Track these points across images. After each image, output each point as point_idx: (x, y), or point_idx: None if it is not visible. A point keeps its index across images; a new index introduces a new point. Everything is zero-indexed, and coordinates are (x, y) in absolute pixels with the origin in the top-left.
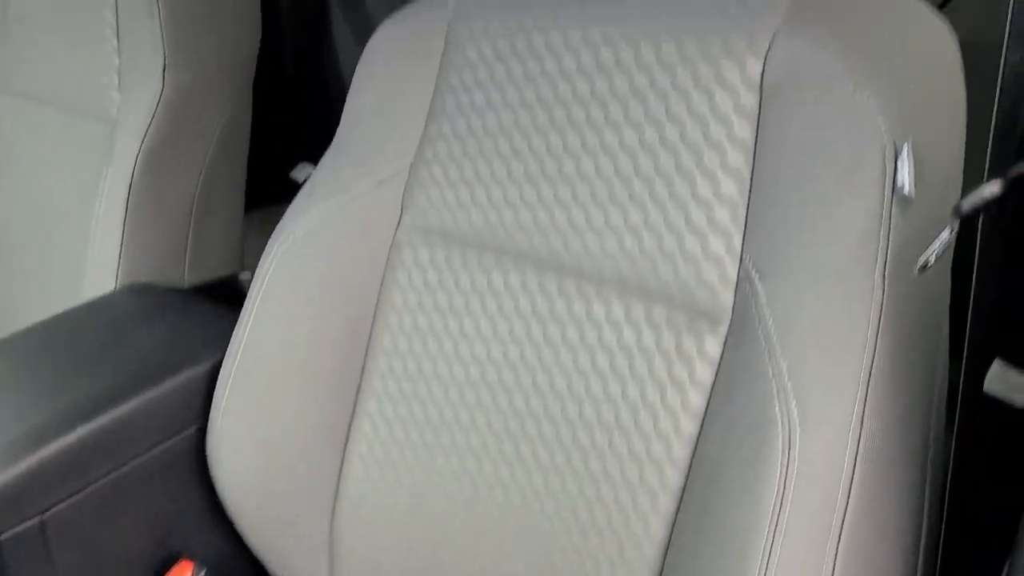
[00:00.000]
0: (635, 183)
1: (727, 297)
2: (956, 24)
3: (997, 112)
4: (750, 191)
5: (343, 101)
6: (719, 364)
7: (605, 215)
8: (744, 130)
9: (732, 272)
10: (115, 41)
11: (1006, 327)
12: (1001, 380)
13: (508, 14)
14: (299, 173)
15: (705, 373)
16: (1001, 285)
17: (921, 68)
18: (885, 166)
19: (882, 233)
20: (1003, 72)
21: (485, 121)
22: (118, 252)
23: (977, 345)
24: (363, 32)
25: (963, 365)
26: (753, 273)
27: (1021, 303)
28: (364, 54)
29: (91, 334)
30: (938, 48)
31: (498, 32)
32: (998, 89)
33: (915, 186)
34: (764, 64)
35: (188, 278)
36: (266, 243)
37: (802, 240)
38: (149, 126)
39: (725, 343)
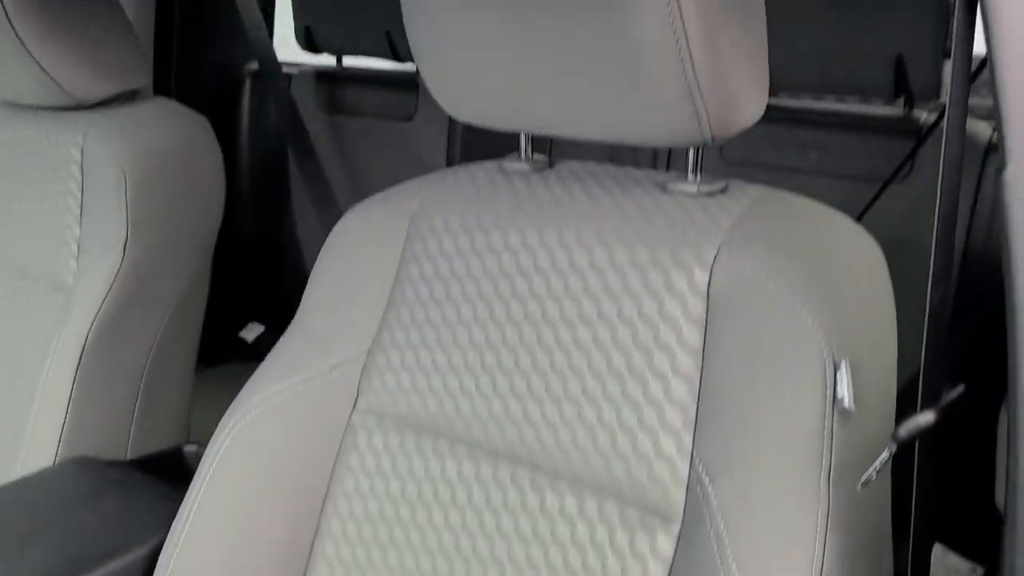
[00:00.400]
0: (588, 380)
1: (679, 496)
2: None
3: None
4: (699, 394)
5: (297, 265)
6: (672, 563)
7: (559, 409)
8: (693, 335)
9: (683, 472)
10: (78, 211)
11: (947, 512)
12: (942, 564)
13: (469, 211)
14: (248, 332)
15: (658, 572)
16: (943, 469)
17: (855, 286)
18: (826, 379)
19: (825, 443)
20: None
21: (444, 312)
22: (62, 422)
23: (921, 531)
24: (322, 200)
25: (910, 550)
26: (703, 474)
27: (960, 489)
28: (328, 239)
29: (28, 513)
30: (870, 266)
31: (458, 228)
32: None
33: (854, 400)
34: (711, 275)
35: (132, 449)
36: (212, 408)
37: (749, 445)
38: (106, 297)
39: (678, 542)
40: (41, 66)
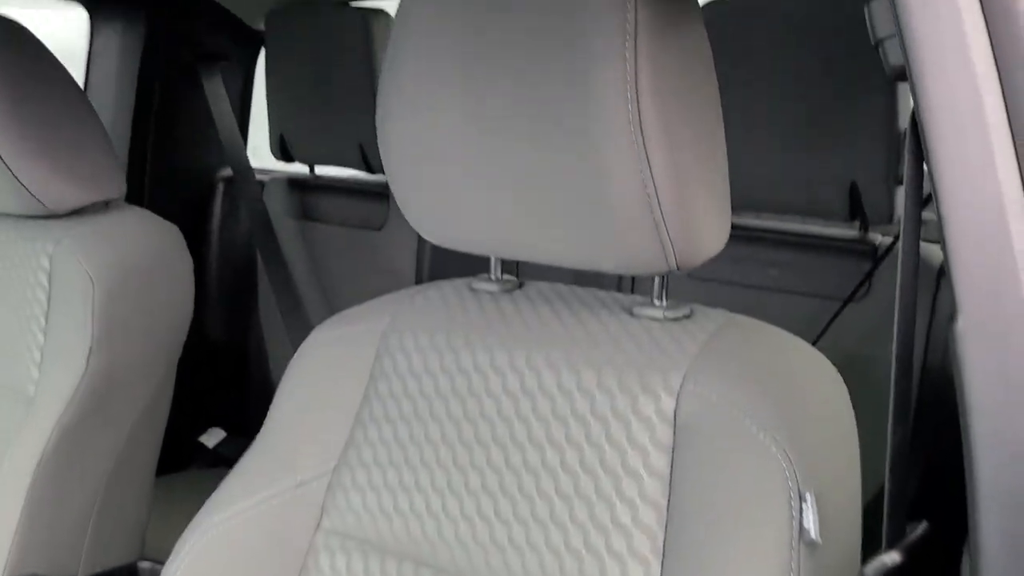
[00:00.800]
0: (556, 503)
1: None
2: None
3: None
4: (667, 521)
5: (262, 371)
6: None
7: (526, 533)
8: (660, 461)
9: None
10: (43, 320)
11: None
12: None
13: (438, 330)
14: (209, 438)
15: None
16: None
17: (819, 415)
18: (791, 511)
19: (792, 573)
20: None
21: (412, 431)
22: (11, 537)
23: None
24: (290, 308)
25: None
26: None
27: None
28: (296, 355)
29: None
30: (832, 394)
31: (428, 347)
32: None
33: (820, 531)
34: (677, 401)
35: (84, 565)
36: (168, 518)
37: (717, 573)
38: (65, 408)
39: None
40: (15, 176)
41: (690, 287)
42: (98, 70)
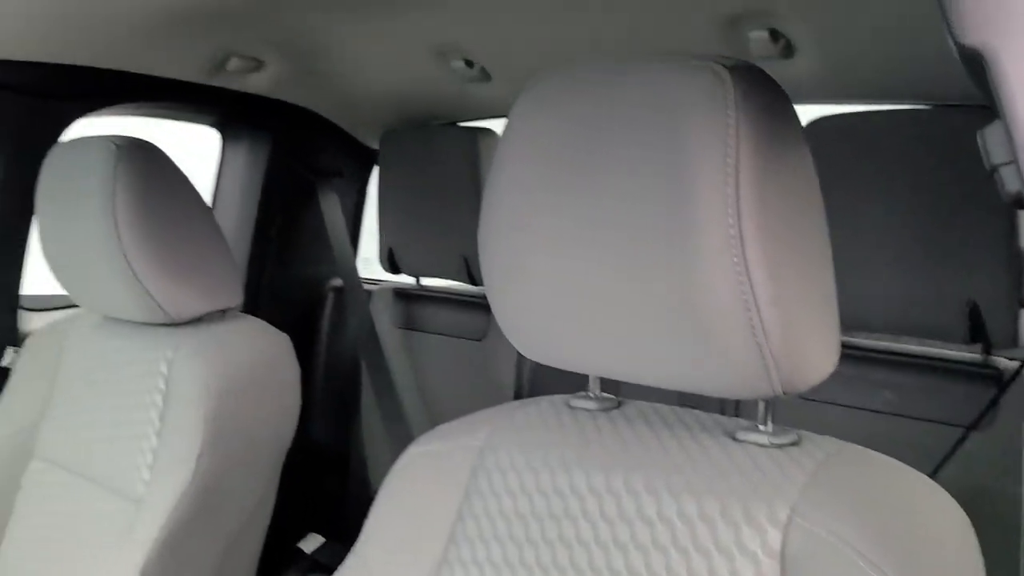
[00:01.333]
0: None
1: None
2: None
3: None
4: None
5: (362, 479)
6: None
7: None
8: None
9: None
10: (158, 424)
11: None
12: None
13: (535, 449)
14: (307, 544)
15: None
16: None
17: (939, 552)
18: None
19: None
20: None
21: (506, 553)
22: None
23: None
24: (392, 415)
25: None
26: None
27: None
28: (392, 470)
29: None
30: (953, 530)
31: (524, 465)
32: None
33: None
34: (784, 535)
35: None
36: None
37: None
38: (174, 510)
39: None
40: (145, 288)
41: (797, 408)
42: (226, 184)
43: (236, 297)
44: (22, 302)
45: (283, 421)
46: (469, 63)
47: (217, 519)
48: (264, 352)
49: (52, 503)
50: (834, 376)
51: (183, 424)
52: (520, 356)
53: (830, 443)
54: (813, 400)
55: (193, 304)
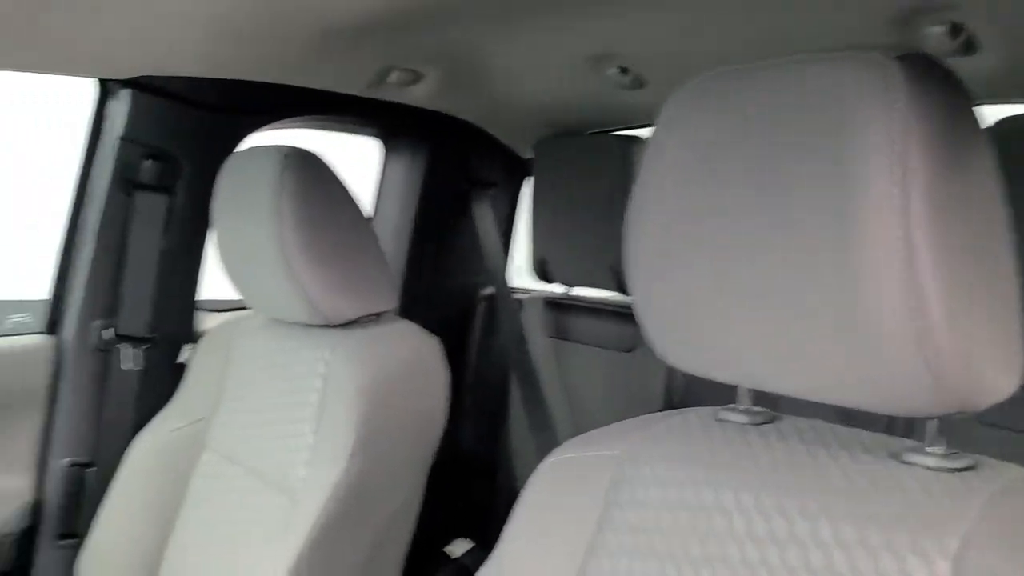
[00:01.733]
0: None
1: None
2: None
3: None
4: None
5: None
6: None
7: None
8: None
9: None
10: (315, 422)
11: None
12: None
13: (679, 463)
14: (454, 548)
15: None
16: None
17: None
18: None
19: None
20: None
21: (645, 567)
22: None
23: None
24: (539, 424)
25: None
26: None
27: None
28: (533, 476)
29: None
30: None
31: (667, 479)
32: None
33: None
34: (954, 568)
35: None
36: None
37: None
38: (325, 506)
39: None
40: (305, 290)
41: (973, 433)
42: (386, 192)
43: (391, 301)
44: (199, 304)
45: (431, 424)
46: (623, 70)
47: (365, 518)
48: (416, 355)
49: (219, 493)
50: (1017, 398)
51: (337, 423)
52: (670, 370)
53: (1011, 470)
54: (992, 426)
55: (350, 307)
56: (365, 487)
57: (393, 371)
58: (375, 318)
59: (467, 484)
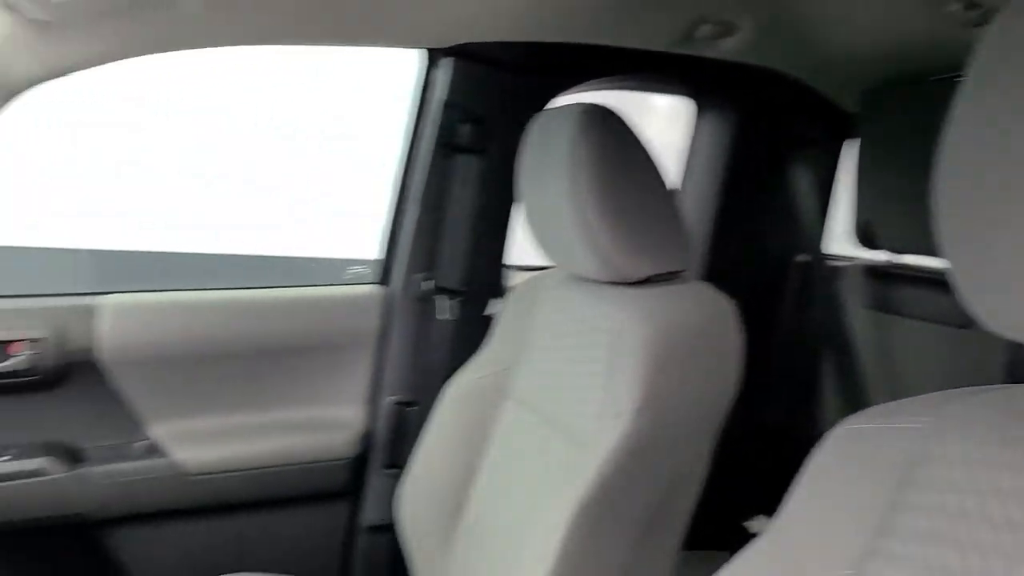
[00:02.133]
0: None
1: None
2: None
3: None
4: None
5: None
6: None
7: None
8: None
9: None
10: (603, 377)
11: None
12: None
13: (996, 444)
14: (754, 524)
15: None
16: None
17: None
18: None
19: None
20: None
21: (943, 555)
22: (551, 567)
23: None
24: (853, 402)
25: None
26: None
27: None
28: (820, 444)
29: None
30: None
31: (977, 461)
32: None
33: None
34: None
35: None
36: None
37: None
38: (608, 460)
39: None
40: (601, 247)
41: None
42: (696, 152)
43: (685, 262)
44: (508, 264)
45: (721, 388)
46: (970, 4)
47: (648, 476)
48: (707, 316)
49: (517, 439)
50: None
51: (625, 379)
52: (1016, 347)
53: None
54: None
55: (642, 265)
56: (649, 445)
57: (682, 330)
58: (669, 278)
59: (772, 460)
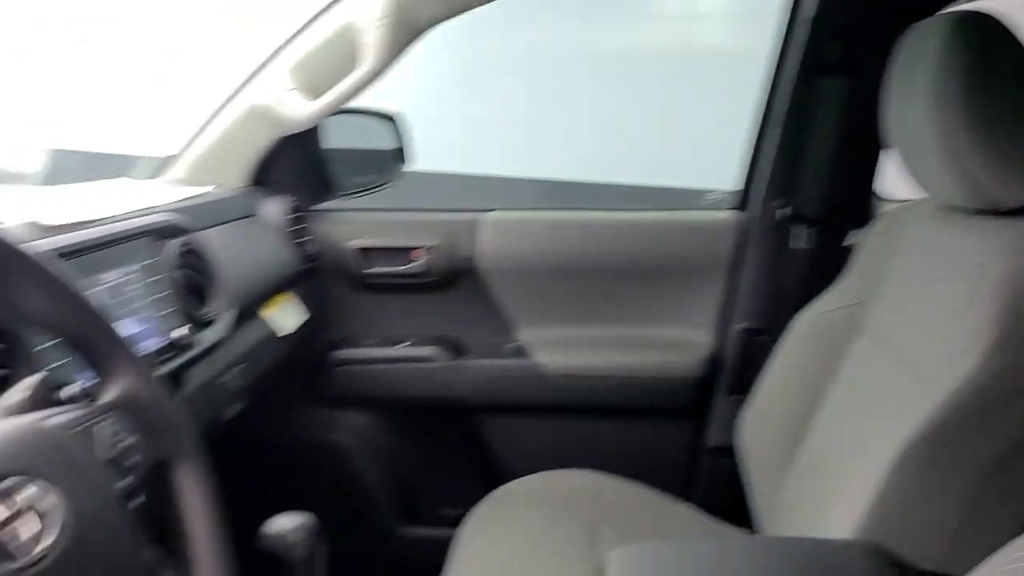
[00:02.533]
0: None
1: None
2: None
3: None
4: None
5: None
6: None
7: None
8: None
9: None
10: (960, 313)
11: None
12: None
13: None
14: None
15: None
16: None
17: None
18: None
19: None
20: None
21: None
22: (869, 500)
23: None
24: None
25: None
26: None
27: None
28: None
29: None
30: None
31: None
32: None
33: None
34: None
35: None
36: None
37: None
38: (948, 399)
39: None
40: (970, 169)
41: None
42: None
43: None
44: (876, 192)
45: None
46: None
47: (990, 427)
48: None
49: (863, 376)
50: None
51: (979, 315)
52: None
53: None
54: None
55: (1017, 190)
56: (996, 391)
57: None
58: None
59: None
